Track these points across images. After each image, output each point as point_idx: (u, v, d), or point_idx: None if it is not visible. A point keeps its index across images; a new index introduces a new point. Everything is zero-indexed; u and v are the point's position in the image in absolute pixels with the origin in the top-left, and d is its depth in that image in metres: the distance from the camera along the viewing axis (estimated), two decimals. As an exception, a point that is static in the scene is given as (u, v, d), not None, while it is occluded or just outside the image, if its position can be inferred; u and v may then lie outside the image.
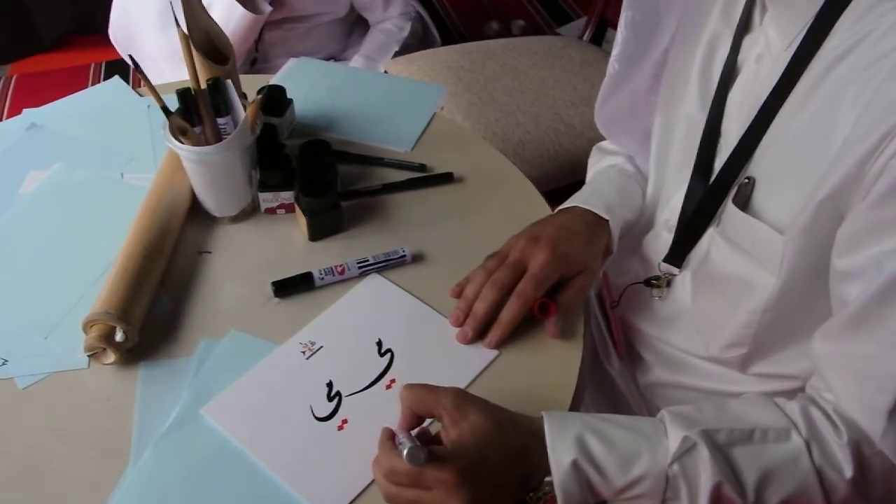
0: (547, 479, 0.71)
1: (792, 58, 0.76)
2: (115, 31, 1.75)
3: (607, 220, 0.95)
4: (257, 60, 1.79)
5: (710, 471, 0.70)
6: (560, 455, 0.70)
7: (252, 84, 1.14)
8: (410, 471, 0.69)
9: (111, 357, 0.83)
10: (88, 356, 0.84)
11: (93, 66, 2.71)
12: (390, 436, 0.73)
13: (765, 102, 0.79)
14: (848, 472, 0.70)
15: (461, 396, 0.73)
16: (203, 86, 0.95)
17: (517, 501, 0.73)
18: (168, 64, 1.58)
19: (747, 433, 0.72)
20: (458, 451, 0.70)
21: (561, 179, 1.68)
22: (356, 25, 1.96)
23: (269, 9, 1.58)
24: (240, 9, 1.51)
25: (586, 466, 0.70)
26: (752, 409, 0.75)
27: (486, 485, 0.70)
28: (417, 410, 0.74)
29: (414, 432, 0.73)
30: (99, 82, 1.26)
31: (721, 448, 0.71)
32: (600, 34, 2.07)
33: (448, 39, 1.99)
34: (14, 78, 2.63)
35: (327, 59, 1.89)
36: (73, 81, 2.59)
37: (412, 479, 0.69)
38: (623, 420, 0.75)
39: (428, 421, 0.77)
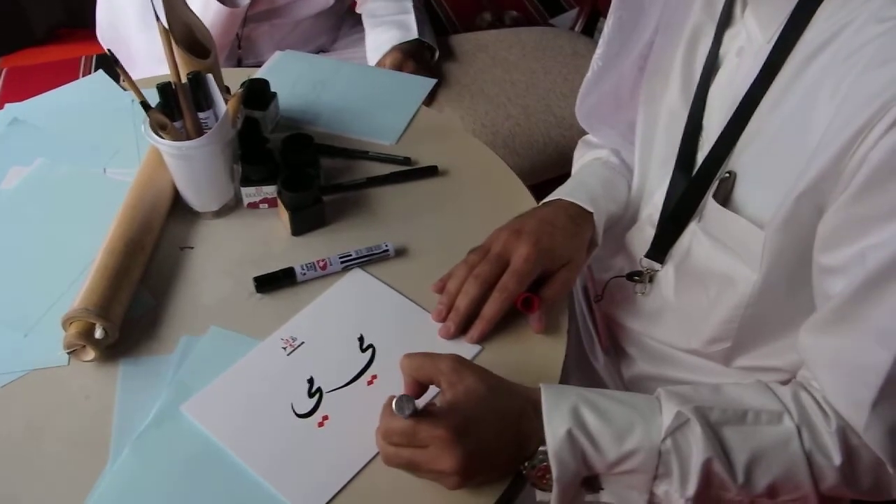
0: (541, 448, 0.71)
1: (771, 51, 0.76)
2: (102, 31, 1.73)
3: (591, 213, 0.95)
4: (242, 59, 1.77)
5: (701, 447, 0.70)
6: (555, 424, 0.71)
7: (238, 78, 1.14)
8: (405, 429, 0.70)
9: (91, 354, 0.83)
10: (68, 353, 0.84)
11: (83, 59, 2.70)
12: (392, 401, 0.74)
13: (745, 96, 0.79)
14: (837, 459, 0.71)
15: (459, 362, 0.74)
16: (184, 80, 0.94)
17: (512, 471, 0.74)
18: (153, 62, 1.57)
19: (740, 414, 0.73)
20: (451, 410, 0.71)
21: (551, 171, 1.67)
22: (345, 17, 1.95)
23: (246, 1, 1.55)
24: (216, 2, 1.48)
25: (581, 437, 0.70)
26: (746, 392, 0.76)
27: (480, 445, 0.70)
28: (418, 377, 0.75)
29: (419, 402, 0.73)
30: (87, 76, 1.26)
31: (713, 426, 0.72)
32: (592, 24, 2.06)
33: (440, 30, 1.98)
34: (4, 71, 2.62)
35: (316, 52, 1.87)
36: (64, 75, 2.58)
37: (407, 437, 0.70)
38: (618, 395, 0.75)
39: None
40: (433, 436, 0.69)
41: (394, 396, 0.71)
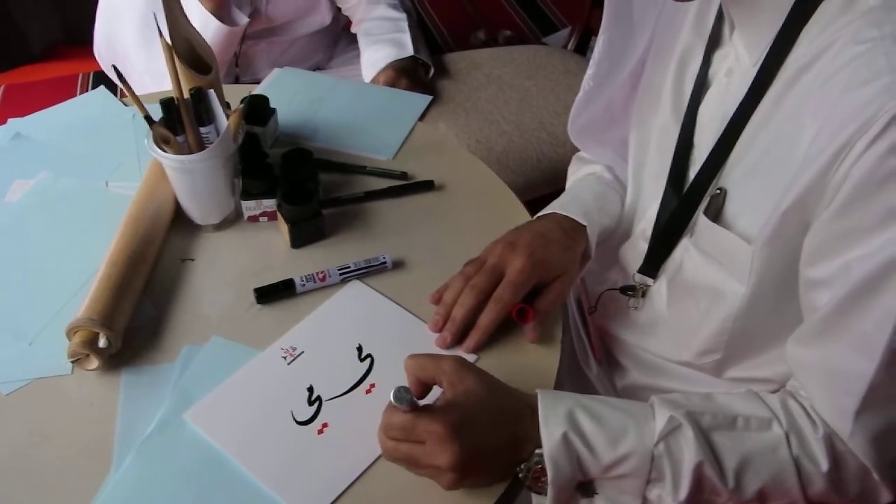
0: (537, 451, 0.73)
1: (758, 72, 0.78)
2: (99, 48, 1.75)
3: (585, 226, 0.97)
4: (239, 76, 1.79)
5: (693, 451, 0.72)
6: (551, 427, 0.73)
7: (237, 94, 1.16)
8: (404, 423, 0.72)
9: (94, 363, 0.84)
10: (72, 362, 0.85)
11: (81, 76, 2.72)
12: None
13: (734, 116, 0.81)
14: (824, 465, 0.73)
15: (461, 363, 0.76)
16: (186, 95, 0.96)
17: (508, 474, 0.76)
18: (151, 78, 1.58)
19: (731, 419, 0.75)
20: (450, 407, 0.73)
21: (544, 188, 1.69)
22: (341, 36, 1.97)
23: (245, 20, 1.56)
24: (215, 21, 1.51)
25: (576, 441, 0.72)
26: (737, 399, 0.78)
27: (476, 443, 0.72)
28: (421, 377, 0.77)
29: (423, 402, 0.75)
30: (87, 92, 1.28)
31: (704, 431, 0.74)
32: (584, 43, 2.09)
33: (435, 49, 2.01)
34: (2, 88, 2.64)
35: (312, 70, 1.89)
36: (62, 91, 2.60)
37: (405, 431, 0.72)
38: (613, 401, 0.78)
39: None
40: (430, 431, 0.71)
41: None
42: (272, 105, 1.15)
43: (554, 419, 0.73)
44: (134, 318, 0.89)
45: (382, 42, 1.75)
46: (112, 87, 1.27)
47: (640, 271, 0.97)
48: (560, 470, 0.72)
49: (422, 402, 0.75)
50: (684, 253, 0.90)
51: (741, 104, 0.80)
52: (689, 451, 0.73)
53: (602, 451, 0.73)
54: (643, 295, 0.98)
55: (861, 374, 0.69)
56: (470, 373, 0.76)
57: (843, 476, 0.74)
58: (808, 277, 0.75)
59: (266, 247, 1.00)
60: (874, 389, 0.69)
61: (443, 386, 0.76)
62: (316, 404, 0.83)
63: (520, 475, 0.75)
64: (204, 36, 1.07)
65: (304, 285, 0.93)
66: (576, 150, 1.15)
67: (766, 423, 0.75)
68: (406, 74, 1.68)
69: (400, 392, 0.71)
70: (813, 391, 0.76)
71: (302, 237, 1.00)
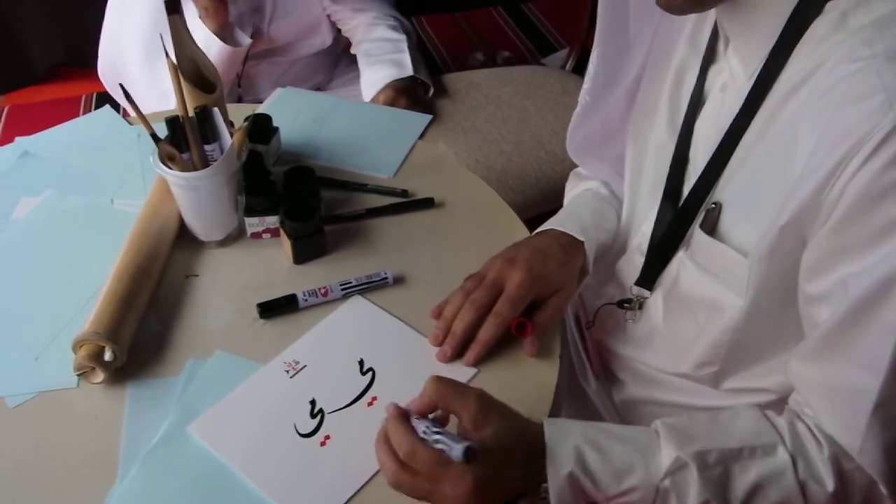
0: (544, 485, 0.73)
1: (752, 87, 0.79)
2: (103, 69, 1.77)
3: (582, 242, 0.98)
4: (241, 96, 1.81)
5: (698, 489, 0.73)
6: (558, 466, 0.73)
7: (240, 113, 1.18)
8: (434, 460, 0.70)
9: (100, 376, 0.85)
10: (77, 376, 0.86)
11: (84, 97, 2.75)
12: (402, 414, 0.74)
13: (728, 130, 0.82)
14: (830, 485, 0.73)
15: (485, 401, 0.75)
16: (191, 113, 0.98)
17: (511, 497, 0.76)
18: (155, 100, 1.60)
19: (736, 452, 0.75)
20: (481, 459, 0.71)
21: (544, 206, 1.70)
22: (341, 57, 2.00)
23: (248, 41, 1.59)
24: (218, 42, 1.53)
25: (582, 477, 0.73)
26: (742, 423, 0.78)
27: (495, 494, 0.72)
28: (442, 406, 0.76)
29: (431, 415, 0.76)
30: (92, 112, 1.29)
31: (711, 467, 0.74)
32: (582, 64, 2.11)
33: (434, 70, 2.03)
34: (6, 109, 2.67)
35: (313, 90, 1.91)
36: (65, 112, 2.63)
37: (433, 469, 0.70)
38: (619, 432, 0.78)
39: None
40: (458, 482, 0.69)
41: (403, 413, 0.73)
42: (275, 124, 1.17)
43: (561, 456, 0.73)
44: (139, 333, 0.90)
45: (382, 62, 1.77)
46: (116, 107, 1.29)
47: (637, 284, 0.98)
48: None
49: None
50: (680, 266, 0.91)
51: (736, 119, 0.82)
52: (694, 490, 0.73)
53: (607, 485, 0.73)
54: (640, 308, 0.99)
55: (867, 389, 0.70)
56: (495, 413, 0.75)
57: (849, 492, 0.75)
58: (807, 293, 0.76)
59: (269, 263, 1.02)
60: (881, 403, 0.70)
61: (464, 423, 0.75)
62: (318, 417, 0.84)
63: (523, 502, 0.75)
64: (208, 56, 1.09)
65: (306, 300, 0.95)
66: (573, 168, 1.17)
67: (771, 448, 0.75)
68: (406, 94, 1.70)
69: (471, 449, 0.69)
70: (819, 408, 0.76)
71: (304, 253, 1.01)
